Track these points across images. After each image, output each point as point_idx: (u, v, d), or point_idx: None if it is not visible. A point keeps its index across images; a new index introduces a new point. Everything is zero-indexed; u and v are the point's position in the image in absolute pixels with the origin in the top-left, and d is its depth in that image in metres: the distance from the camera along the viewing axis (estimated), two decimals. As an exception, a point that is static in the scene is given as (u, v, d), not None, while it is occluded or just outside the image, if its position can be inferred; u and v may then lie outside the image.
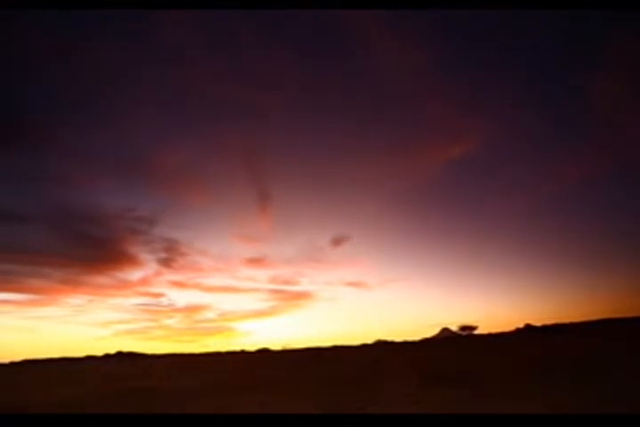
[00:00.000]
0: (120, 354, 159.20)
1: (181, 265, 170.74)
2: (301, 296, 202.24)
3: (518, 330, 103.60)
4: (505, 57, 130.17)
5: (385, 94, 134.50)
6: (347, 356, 41.13)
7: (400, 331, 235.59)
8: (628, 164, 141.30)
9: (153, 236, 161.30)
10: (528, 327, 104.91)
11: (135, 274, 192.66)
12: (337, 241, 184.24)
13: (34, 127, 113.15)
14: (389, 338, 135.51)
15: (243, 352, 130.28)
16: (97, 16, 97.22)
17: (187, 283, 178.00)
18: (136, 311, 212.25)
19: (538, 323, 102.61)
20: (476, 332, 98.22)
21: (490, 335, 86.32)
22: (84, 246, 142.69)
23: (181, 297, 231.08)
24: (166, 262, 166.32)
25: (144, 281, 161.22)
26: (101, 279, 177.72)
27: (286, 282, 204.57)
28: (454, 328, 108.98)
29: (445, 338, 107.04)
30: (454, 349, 37.93)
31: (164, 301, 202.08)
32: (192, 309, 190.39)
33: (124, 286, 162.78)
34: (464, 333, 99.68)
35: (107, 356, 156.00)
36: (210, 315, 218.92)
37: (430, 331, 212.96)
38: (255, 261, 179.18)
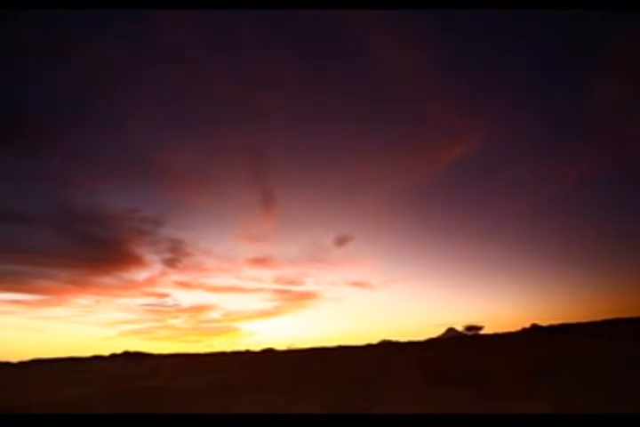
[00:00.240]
0: (126, 354, 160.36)
1: (186, 265, 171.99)
2: (306, 296, 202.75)
3: (524, 330, 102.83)
4: (505, 57, 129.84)
5: (386, 94, 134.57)
6: (352, 356, 41.09)
7: (405, 331, 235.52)
8: (628, 163, 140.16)
9: (158, 236, 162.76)
10: (534, 327, 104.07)
11: (141, 274, 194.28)
12: (340, 241, 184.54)
13: (39, 129, 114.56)
14: (394, 338, 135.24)
15: (248, 352, 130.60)
16: (98, 16, 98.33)
17: (192, 283, 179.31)
18: (142, 311, 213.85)
19: (544, 323, 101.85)
20: (481, 332, 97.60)
21: (496, 335, 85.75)
22: (90, 247, 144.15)
23: (186, 297, 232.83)
24: (171, 263, 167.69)
25: (149, 281, 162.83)
26: (108, 280, 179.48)
27: (291, 282, 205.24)
28: (460, 328, 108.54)
29: (451, 338, 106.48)
30: (460, 349, 37.74)
31: (169, 301, 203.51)
32: (197, 309, 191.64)
33: (130, 286, 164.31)
34: (470, 333, 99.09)
35: (113, 356, 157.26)
36: (215, 315, 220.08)
37: (436, 331, 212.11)
38: (259, 262, 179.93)
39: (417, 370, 18.09)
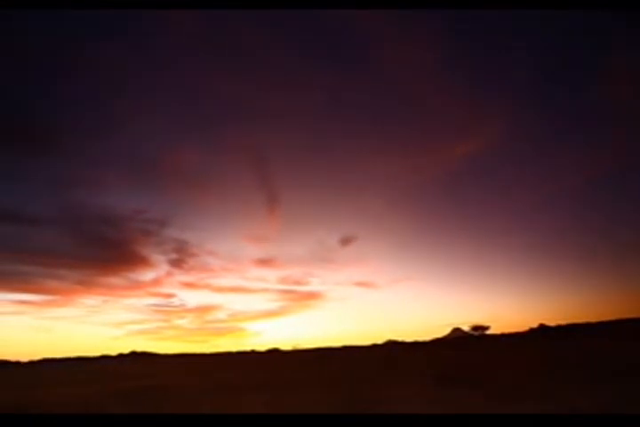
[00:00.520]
0: (134, 354, 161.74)
1: (192, 266, 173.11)
2: (311, 296, 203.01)
3: (532, 330, 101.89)
4: (508, 58, 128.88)
5: (390, 95, 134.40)
6: (357, 356, 41.03)
7: (411, 331, 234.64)
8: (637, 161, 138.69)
9: (164, 237, 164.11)
10: (542, 327, 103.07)
11: (147, 275, 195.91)
12: (345, 241, 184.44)
13: (48, 131, 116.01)
14: (400, 338, 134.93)
15: (253, 352, 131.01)
16: (104, 18, 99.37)
17: (197, 283, 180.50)
18: (148, 312, 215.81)
19: (552, 323, 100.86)
20: (488, 332, 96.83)
21: (502, 335, 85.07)
22: (97, 248, 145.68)
23: (192, 298, 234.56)
24: (177, 263, 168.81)
25: (156, 282, 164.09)
26: (115, 280, 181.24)
27: (296, 282, 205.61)
28: (466, 328, 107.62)
29: (457, 338, 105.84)
30: (466, 349, 37.53)
31: (175, 301, 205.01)
32: (203, 309, 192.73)
33: (137, 286, 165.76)
34: (476, 333, 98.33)
35: (121, 355, 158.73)
36: (220, 315, 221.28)
37: (441, 331, 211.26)
38: (265, 262, 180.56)
39: (423, 370, 18.03)
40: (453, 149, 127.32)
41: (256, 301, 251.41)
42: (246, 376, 21.83)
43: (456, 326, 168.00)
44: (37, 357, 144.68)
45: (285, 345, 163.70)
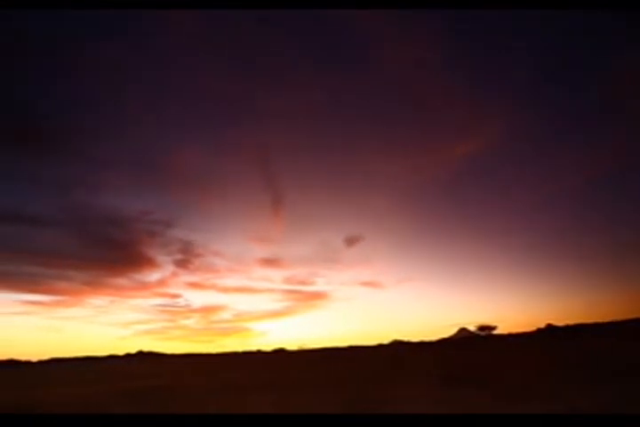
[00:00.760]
0: (140, 353, 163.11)
1: (197, 266, 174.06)
2: (316, 296, 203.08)
3: (539, 330, 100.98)
4: (515, 58, 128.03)
5: (394, 95, 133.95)
6: (363, 356, 40.97)
7: (417, 331, 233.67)
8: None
9: (169, 238, 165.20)
10: (549, 327, 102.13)
11: (153, 275, 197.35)
12: (351, 241, 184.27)
13: (55, 133, 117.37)
14: (406, 338, 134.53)
15: (259, 352, 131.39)
16: (109, 19, 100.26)
17: (203, 284, 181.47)
18: (154, 312, 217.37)
19: (560, 323, 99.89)
20: (495, 332, 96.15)
21: (510, 335, 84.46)
22: (104, 249, 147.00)
23: (198, 298, 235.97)
24: (183, 264, 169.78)
25: (162, 282, 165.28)
26: (121, 281, 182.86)
27: (301, 282, 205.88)
28: (472, 328, 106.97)
29: (463, 338, 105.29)
30: (472, 349, 37.30)
31: (181, 301, 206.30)
32: (208, 309, 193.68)
33: (143, 287, 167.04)
34: (483, 333, 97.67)
35: (128, 355, 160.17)
36: (226, 315, 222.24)
37: (448, 331, 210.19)
38: (270, 262, 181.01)
39: (429, 370, 17.96)
40: (457, 148, 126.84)
41: (261, 301, 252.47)
42: (252, 376, 21.90)
43: (462, 326, 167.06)
44: (46, 356, 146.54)
45: (291, 345, 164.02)
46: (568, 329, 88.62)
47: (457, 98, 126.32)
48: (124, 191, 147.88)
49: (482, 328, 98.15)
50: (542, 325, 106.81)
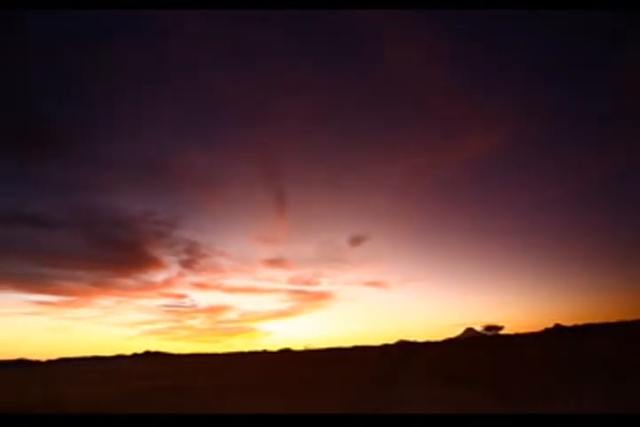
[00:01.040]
0: (147, 353, 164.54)
1: (203, 267, 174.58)
2: (321, 297, 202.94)
3: (547, 330, 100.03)
4: (517, 58, 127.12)
5: (398, 95, 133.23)
6: (368, 356, 40.95)
7: (423, 331, 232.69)
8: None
9: (175, 238, 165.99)
10: (557, 327, 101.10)
11: (159, 276, 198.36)
12: (355, 241, 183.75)
13: (60, 136, 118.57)
14: (412, 338, 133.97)
15: (265, 352, 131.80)
16: (115, 20, 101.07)
17: (208, 284, 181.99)
18: (161, 312, 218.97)
19: (568, 323, 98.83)
20: (502, 332, 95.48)
21: (517, 335, 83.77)
22: (110, 250, 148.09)
23: (203, 298, 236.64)
24: (188, 264, 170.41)
25: (167, 283, 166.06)
26: (128, 281, 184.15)
27: (306, 282, 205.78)
28: (479, 328, 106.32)
29: (470, 338, 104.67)
30: (479, 349, 37.09)
31: (186, 302, 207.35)
32: (214, 309, 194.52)
33: (149, 287, 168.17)
34: (489, 333, 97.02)
35: (135, 355, 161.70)
36: (231, 315, 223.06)
37: (454, 331, 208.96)
38: (275, 263, 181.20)
39: (433, 371, 17.92)
40: (461, 148, 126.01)
41: (267, 301, 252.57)
42: (259, 376, 22.01)
43: (469, 326, 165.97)
44: (55, 356, 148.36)
45: (297, 345, 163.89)
46: (576, 329, 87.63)
47: (459, 98, 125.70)
48: (129, 192, 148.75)
49: (488, 328, 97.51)
50: (550, 325, 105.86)
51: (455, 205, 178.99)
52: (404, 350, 54.93)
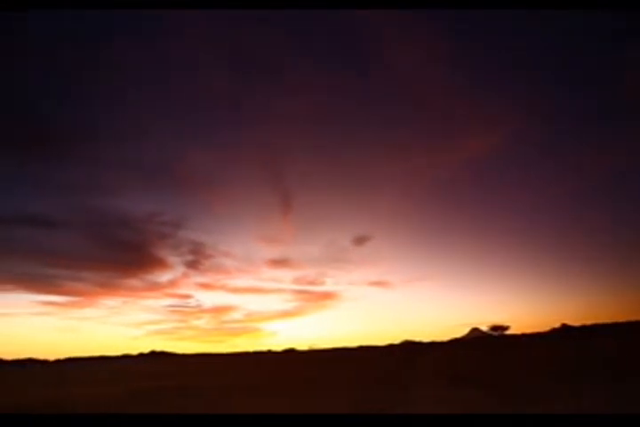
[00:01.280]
0: (153, 353, 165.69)
1: (207, 267, 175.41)
2: (326, 297, 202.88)
3: (554, 330, 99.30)
4: (519, 59, 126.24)
5: (401, 95, 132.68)
6: (373, 356, 40.89)
7: (428, 331, 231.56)
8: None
9: (180, 239, 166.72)
10: (564, 327, 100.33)
11: (164, 276, 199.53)
12: (359, 241, 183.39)
13: (67, 138, 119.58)
14: (417, 338, 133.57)
15: (270, 352, 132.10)
16: (118, 21, 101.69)
17: (213, 284, 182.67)
18: (166, 312, 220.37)
19: (575, 323, 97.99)
20: (507, 332, 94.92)
21: (523, 335, 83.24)
22: (116, 251, 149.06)
23: (208, 298, 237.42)
24: (193, 265, 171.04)
25: (173, 283, 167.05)
26: (134, 282, 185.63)
27: (311, 283, 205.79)
28: (485, 328, 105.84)
29: (475, 338, 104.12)
30: (484, 349, 36.90)
31: (191, 302, 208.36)
32: (219, 309, 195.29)
33: (155, 288, 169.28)
34: (495, 333, 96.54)
35: (141, 355, 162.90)
36: (236, 315, 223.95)
37: (459, 331, 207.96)
38: (279, 263, 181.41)
39: (438, 371, 17.86)
40: (471, 147, 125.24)
41: (271, 301, 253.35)
42: (264, 376, 22.07)
43: (475, 326, 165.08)
44: (63, 356, 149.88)
45: (301, 345, 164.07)
46: (583, 329, 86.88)
47: (459, 98, 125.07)
48: (134, 193, 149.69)
49: (494, 328, 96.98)
50: (557, 325, 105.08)
51: (458, 204, 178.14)
52: (409, 350, 54.77)
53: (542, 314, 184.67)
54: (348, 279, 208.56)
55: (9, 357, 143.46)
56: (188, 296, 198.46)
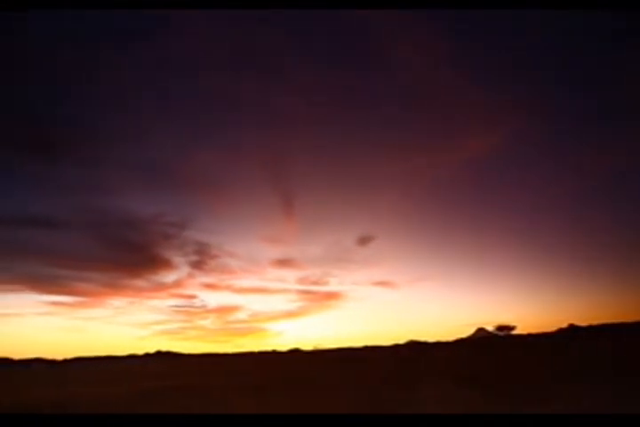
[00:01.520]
0: (159, 353, 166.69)
1: (212, 268, 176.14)
2: (330, 297, 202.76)
3: (561, 330, 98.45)
4: (521, 59, 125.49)
5: (404, 94, 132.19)
6: (378, 356, 40.79)
7: (433, 331, 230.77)
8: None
9: (184, 239, 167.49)
10: (571, 327, 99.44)
11: (169, 277, 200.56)
12: (363, 241, 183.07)
13: (73, 139, 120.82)
14: (422, 338, 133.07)
15: (275, 352, 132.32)
16: (120, 22, 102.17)
17: (218, 285, 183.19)
18: (171, 313, 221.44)
19: (583, 323, 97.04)
20: (514, 332, 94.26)
21: (529, 336, 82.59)
22: (122, 251, 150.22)
23: (213, 298, 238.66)
24: (198, 265, 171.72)
25: (178, 283, 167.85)
26: (139, 282, 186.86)
27: (315, 283, 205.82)
28: (490, 328, 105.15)
29: (481, 338, 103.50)
30: (490, 350, 36.67)
31: (196, 302, 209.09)
32: (224, 310, 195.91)
33: (160, 288, 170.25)
34: (501, 333, 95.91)
35: (147, 355, 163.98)
36: (241, 316, 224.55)
37: (465, 331, 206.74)
38: (283, 263, 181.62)
39: (444, 371, 17.77)
40: (474, 146, 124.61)
41: (276, 301, 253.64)
42: (268, 376, 22.10)
43: (480, 326, 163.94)
44: (71, 355, 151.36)
45: (306, 345, 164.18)
46: (591, 329, 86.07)
47: (459, 98, 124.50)
48: (139, 194, 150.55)
49: (500, 328, 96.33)
50: (564, 325, 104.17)
51: (460, 204, 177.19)
52: (414, 350, 54.60)
53: (549, 314, 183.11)
54: (353, 279, 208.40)
55: (16, 356, 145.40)
56: (193, 296, 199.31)
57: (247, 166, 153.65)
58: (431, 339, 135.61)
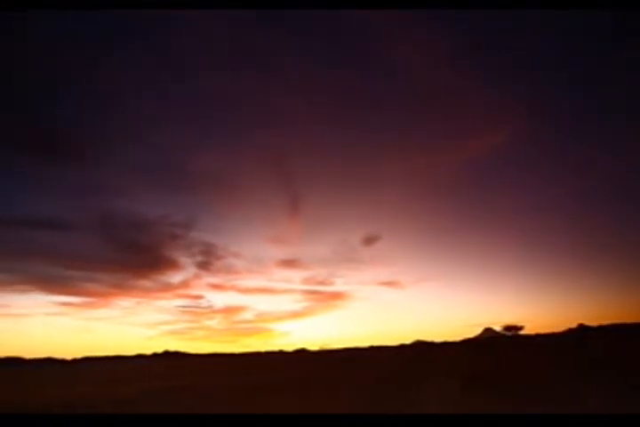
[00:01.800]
0: (166, 353, 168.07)
1: (218, 268, 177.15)
2: (336, 297, 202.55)
3: (570, 330, 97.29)
4: (522, 59, 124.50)
5: (406, 94, 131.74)
6: (384, 356, 40.70)
7: (440, 331, 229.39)
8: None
9: (191, 240, 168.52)
10: (581, 327, 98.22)
11: (176, 277, 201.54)
12: (369, 241, 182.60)
13: (79, 142, 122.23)
14: (428, 338, 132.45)
15: (281, 352, 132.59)
16: (124, 23, 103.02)
17: (224, 285, 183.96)
18: (178, 313, 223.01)
19: (593, 323, 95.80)
20: (522, 332, 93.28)
21: (538, 336, 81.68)
22: (129, 252, 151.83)
23: (219, 299, 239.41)
24: (204, 266, 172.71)
25: (184, 284, 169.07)
26: (146, 283, 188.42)
27: (321, 283, 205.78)
28: (498, 328, 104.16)
29: (488, 339, 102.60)
30: (497, 350, 36.38)
31: (203, 302, 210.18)
32: (230, 310, 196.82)
33: (167, 288, 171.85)
34: (509, 333, 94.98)
35: (155, 355, 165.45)
36: (247, 316, 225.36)
37: (472, 331, 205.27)
38: (289, 263, 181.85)
39: (451, 371, 17.71)
40: (479, 146, 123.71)
41: (282, 301, 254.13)
42: (276, 376, 22.19)
43: (488, 326, 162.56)
44: (80, 355, 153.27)
45: (313, 345, 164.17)
46: (600, 329, 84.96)
47: (459, 98, 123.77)
48: (145, 195, 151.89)
49: (508, 328, 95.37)
50: (573, 325, 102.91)
51: (471, 204, 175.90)
52: (421, 350, 54.37)
53: (558, 314, 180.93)
54: (358, 279, 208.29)
55: (28, 355, 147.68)
56: (199, 297, 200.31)
57: (252, 167, 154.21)
58: (438, 339, 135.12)
